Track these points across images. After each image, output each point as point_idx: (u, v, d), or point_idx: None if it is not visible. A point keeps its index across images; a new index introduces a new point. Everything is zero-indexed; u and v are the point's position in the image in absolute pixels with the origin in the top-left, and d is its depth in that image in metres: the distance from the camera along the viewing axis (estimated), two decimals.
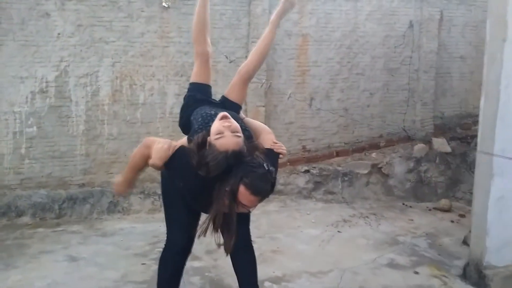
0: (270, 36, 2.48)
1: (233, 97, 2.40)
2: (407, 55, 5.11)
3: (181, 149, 2.03)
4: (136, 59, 4.29)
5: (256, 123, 2.41)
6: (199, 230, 1.98)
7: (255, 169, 1.88)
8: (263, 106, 4.64)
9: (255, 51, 2.46)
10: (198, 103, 2.28)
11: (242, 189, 1.86)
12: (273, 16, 2.55)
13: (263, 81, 4.51)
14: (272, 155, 2.16)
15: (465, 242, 3.54)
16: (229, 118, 1.96)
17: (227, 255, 2.04)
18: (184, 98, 2.41)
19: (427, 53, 5.08)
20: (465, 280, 2.95)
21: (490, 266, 2.84)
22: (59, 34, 4.06)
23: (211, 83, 2.48)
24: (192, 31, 2.48)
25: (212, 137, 1.92)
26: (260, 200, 1.96)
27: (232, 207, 1.92)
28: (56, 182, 4.16)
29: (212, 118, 2.07)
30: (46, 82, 4.08)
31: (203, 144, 1.93)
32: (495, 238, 2.82)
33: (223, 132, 1.90)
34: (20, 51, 3.99)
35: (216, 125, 1.94)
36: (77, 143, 4.20)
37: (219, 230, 1.96)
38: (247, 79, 2.43)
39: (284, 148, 2.22)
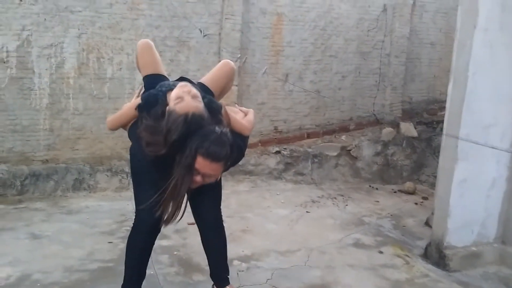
0: None
1: (209, 84, 2.24)
2: (380, 39, 5.15)
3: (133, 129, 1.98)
4: (104, 31, 4.11)
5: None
6: (153, 202, 1.94)
7: (207, 136, 1.84)
8: (236, 86, 4.57)
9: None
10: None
11: (200, 159, 1.83)
12: None
13: (238, 55, 4.42)
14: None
15: (427, 223, 3.69)
16: (189, 86, 1.93)
17: (164, 227, 2.04)
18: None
19: (399, 38, 5.14)
20: (426, 260, 3.08)
21: (450, 246, 2.97)
22: (20, 0, 3.81)
23: (164, 72, 2.32)
24: None
25: (171, 103, 1.87)
26: (224, 165, 1.93)
27: (188, 181, 1.89)
28: (18, 157, 3.98)
29: (169, 87, 2.01)
30: (7, 51, 3.84)
31: (162, 114, 1.88)
32: (456, 219, 2.95)
33: (183, 97, 1.86)
34: None
35: (176, 91, 1.90)
36: (41, 117, 4.01)
37: (169, 203, 1.94)
38: (231, 72, 2.28)
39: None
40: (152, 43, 2.32)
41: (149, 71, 2.27)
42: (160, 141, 1.83)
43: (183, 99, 1.86)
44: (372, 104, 5.27)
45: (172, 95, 1.91)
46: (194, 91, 1.92)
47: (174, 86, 1.99)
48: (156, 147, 1.85)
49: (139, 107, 2.02)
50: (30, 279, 2.54)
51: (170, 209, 1.96)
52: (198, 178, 1.91)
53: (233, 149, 1.90)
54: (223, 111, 2.04)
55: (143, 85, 2.31)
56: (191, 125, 1.83)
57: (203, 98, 1.97)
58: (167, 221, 2.00)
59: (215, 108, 2.01)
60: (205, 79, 2.29)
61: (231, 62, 2.32)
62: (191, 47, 4.39)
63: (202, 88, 2.23)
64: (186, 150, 1.84)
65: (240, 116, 2.22)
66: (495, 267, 3.01)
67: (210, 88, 2.22)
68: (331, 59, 5.00)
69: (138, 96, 2.30)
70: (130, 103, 2.16)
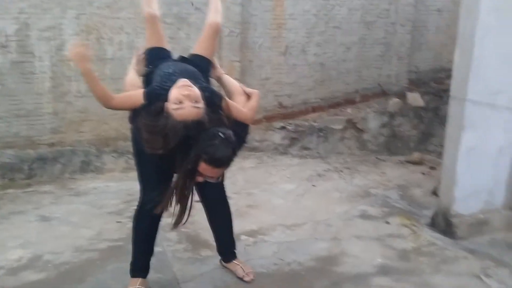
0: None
1: (202, 51, 2.30)
2: (384, 7, 5.01)
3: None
4: (102, 11, 4.05)
5: (232, 84, 2.33)
6: (159, 207, 1.99)
7: (210, 142, 1.83)
8: (238, 61, 4.51)
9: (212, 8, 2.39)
10: (156, 68, 2.17)
11: (203, 165, 1.85)
12: None
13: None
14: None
15: (434, 193, 3.66)
16: (189, 86, 1.88)
17: (174, 229, 2.08)
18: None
19: (405, 6, 5.00)
20: (433, 228, 3.07)
21: (457, 214, 2.96)
22: None
23: (166, 46, 2.36)
24: None
25: (170, 106, 1.85)
26: (227, 167, 1.96)
27: (191, 185, 1.94)
28: (24, 141, 4.00)
29: (170, 78, 1.98)
30: (6, 36, 3.81)
31: (161, 110, 1.86)
32: (463, 188, 2.92)
33: (182, 102, 1.83)
34: None
35: (175, 93, 1.86)
36: (44, 101, 4.01)
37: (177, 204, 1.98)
38: (217, 30, 2.33)
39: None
40: (154, 14, 2.30)
41: (152, 44, 2.32)
42: (159, 142, 1.82)
43: (183, 106, 1.83)
44: (378, 75, 5.17)
45: (172, 95, 1.87)
46: (195, 93, 1.87)
47: (174, 75, 1.96)
48: (154, 145, 1.85)
49: (142, 106, 1.98)
50: (42, 259, 2.60)
51: (178, 212, 1.99)
52: (199, 179, 1.93)
53: (235, 151, 1.91)
54: (224, 104, 2.02)
55: (143, 52, 2.33)
56: (191, 130, 1.83)
57: (204, 91, 1.94)
58: (176, 224, 2.02)
59: (216, 102, 1.99)
60: (199, 48, 2.31)
61: (214, 20, 2.31)
62: (190, 24, 4.31)
63: (198, 59, 2.23)
64: (189, 154, 1.84)
65: (244, 100, 2.20)
66: (503, 233, 3.00)
67: (206, 56, 2.28)
68: (334, 30, 4.89)
69: (137, 62, 2.32)
70: (135, 92, 2.06)
